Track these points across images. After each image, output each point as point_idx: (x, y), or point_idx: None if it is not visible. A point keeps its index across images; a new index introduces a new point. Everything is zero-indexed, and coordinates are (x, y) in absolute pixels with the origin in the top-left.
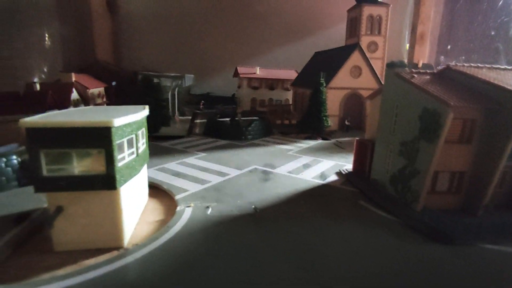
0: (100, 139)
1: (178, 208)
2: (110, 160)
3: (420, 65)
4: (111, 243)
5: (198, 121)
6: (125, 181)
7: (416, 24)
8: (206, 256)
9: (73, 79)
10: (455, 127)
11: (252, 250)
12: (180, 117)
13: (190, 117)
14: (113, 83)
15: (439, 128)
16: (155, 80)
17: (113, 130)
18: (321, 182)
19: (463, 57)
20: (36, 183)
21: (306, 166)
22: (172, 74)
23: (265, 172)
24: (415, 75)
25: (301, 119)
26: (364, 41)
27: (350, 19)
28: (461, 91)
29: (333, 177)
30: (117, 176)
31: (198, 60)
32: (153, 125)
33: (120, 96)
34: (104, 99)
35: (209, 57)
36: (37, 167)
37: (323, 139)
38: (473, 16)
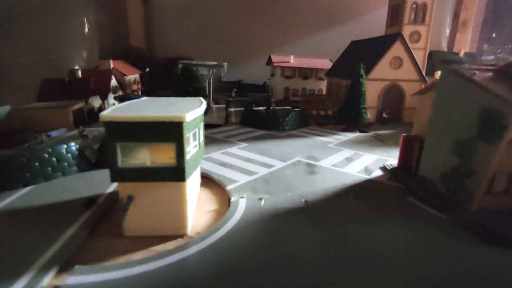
0: (172, 133)
1: (232, 199)
2: (180, 154)
3: (461, 54)
4: (176, 231)
5: (232, 109)
6: (191, 173)
7: (459, 9)
8: (266, 248)
9: (112, 66)
10: None
11: (310, 245)
12: (216, 105)
13: (224, 105)
14: (147, 70)
15: (503, 130)
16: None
17: (184, 124)
18: (366, 176)
19: (510, 46)
20: (112, 173)
21: (349, 159)
22: (210, 63)
23: (309, 164)
24: (476, 72)
25: (338, 111)
26: (406, 31)
27: (391, 7)
28: None
29: (377, 172)
30: (186, 169)
31: (229, 47)
32: None
33: (153, 82)
34: (139, 86)
35: (240, 44)
36: (113, 158)
37: (361, 131)
38: None
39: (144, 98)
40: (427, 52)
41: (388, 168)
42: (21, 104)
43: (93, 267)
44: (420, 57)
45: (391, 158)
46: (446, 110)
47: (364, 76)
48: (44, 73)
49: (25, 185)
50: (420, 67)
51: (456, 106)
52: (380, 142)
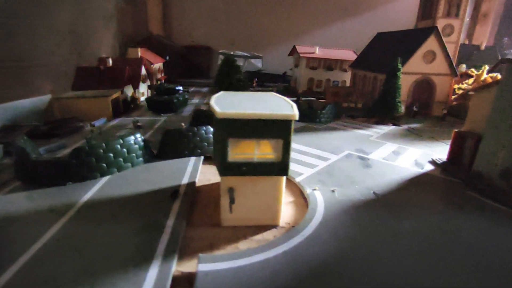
0: (281, 130)
1: (308, 191)
2: (286, 149)
3: (482, 47)
4: (269, 221)
5: None
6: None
7: (480, 0)
8: (362, 239)
9: (139, 54)
10: None
11: (400, 236)
12: None
13: None
14: (167, 58)
15: None
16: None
17: (292, 122)
18: (419, 170)
19: None
20: (221, 167)
21: (396, 153)
22: (245, 53)
23: (361, 158)
24: None
25: (372, 104)
26: (439, 24)
27: (424, 0)
28: None
29: (428, 166)
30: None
31: (247, 35)
32: None
33: (172, 70)
34: (162, 74)
35: (258, 32)
36: (224, 153)
37: (394, 124)
38: None
39: (221, 93)
40: (459, 46)
41: (438, 162)
42: (56, 93)
43: (216, 255)
44: (451, 51)
45: (435, 152)
46: (509, 108)
47: (401, 70)
48: (75, 62)
49: (102, 175)
50: (452, 61)
51: None
52: (417, 136)
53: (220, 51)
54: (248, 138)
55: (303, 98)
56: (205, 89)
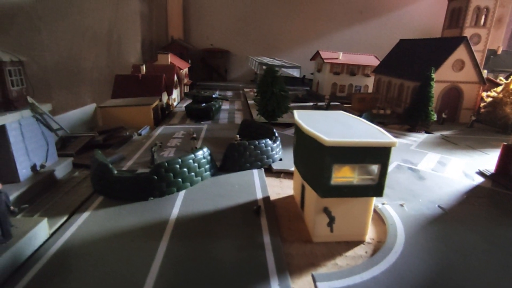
0: (382, 156)
1: (380, 206)
2: (383, 173)
3: (499, 51)
4: (356, 237)
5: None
6: None
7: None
8: (452, 252)
9: (169, 60)
10: None
11: (481, 250)
12: None
13: None
14: (189, 61)
15: None
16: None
17: (392, 148)
18: (471, 182)
19: None
20: (323, 190)
21: (441, 163)
22: (283, 63)
23: (412, 169)
24: None
25: (404, 111)
26: (467, 33)
27: (451, 9)
28: None
29: (478, 177)
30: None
31: (266, 39)
32: (273, 114)
33: (194, 74)
34: (188, 79)
35: (276, 36)
36: (327, 177)
37: (426, 132)
38: None
39: (299, 114)
40: (485, 54)
41: (487, 174)
42: (96, 102)
43: (329, 273)
44: (478, 59)
45: (477, 162)
46: None
47: (434, 79)
48: (108, 69)
49: (178, 190)
50: (481, 70)
51: None
52: (453, 144)
53: (258, 60)
54: (350, 164)
55: (331, 103)
56: (229, 94)
